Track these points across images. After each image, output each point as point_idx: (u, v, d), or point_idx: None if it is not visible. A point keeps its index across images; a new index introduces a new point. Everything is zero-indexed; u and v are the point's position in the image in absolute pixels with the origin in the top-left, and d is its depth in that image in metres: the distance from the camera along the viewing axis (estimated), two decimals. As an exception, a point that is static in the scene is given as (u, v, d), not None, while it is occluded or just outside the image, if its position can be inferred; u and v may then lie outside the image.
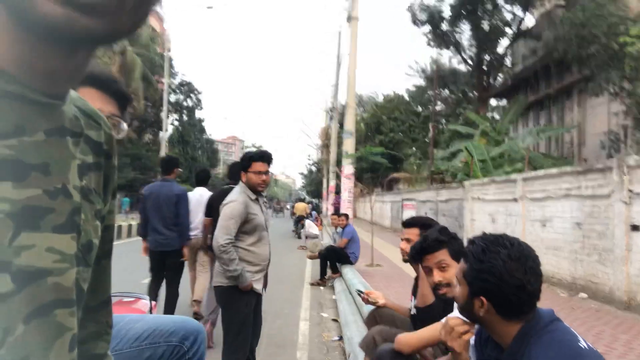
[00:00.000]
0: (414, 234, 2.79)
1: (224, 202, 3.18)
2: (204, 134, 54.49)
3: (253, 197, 3.20)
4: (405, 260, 2.77)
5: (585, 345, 1.25)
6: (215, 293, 3.19)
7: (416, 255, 2.18)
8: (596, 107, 14.44)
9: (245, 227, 3.12)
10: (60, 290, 0.56)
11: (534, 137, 15.75)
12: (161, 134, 31.23)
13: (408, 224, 2.87)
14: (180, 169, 5.68)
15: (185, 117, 49.56)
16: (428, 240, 2.13)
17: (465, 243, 2.23)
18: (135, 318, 1.66)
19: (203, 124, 53.38)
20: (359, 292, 3.17)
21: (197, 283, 5.35)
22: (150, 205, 4.83)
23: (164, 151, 28.26)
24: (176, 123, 48.99)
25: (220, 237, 3.03)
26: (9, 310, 0.50)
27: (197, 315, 4.95)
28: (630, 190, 6.15)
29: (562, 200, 7.88)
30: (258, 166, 3.20)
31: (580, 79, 14.38)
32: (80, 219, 0.60)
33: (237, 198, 3.13)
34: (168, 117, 35.07)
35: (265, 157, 3.25)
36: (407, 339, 2.04)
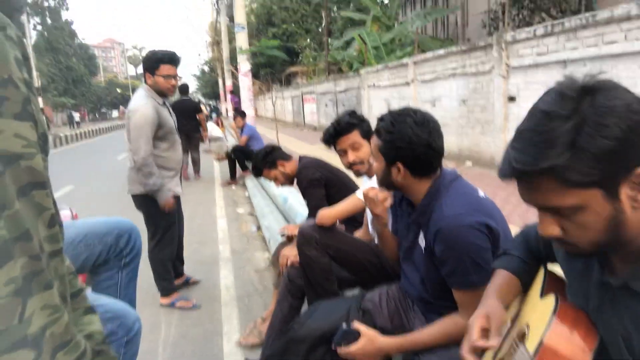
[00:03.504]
0: (267, 175, 3.15)
1: (130, 108, 2.96)
2: (76, 39, 48.60)
3: (160, 101, 3.07)
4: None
5: (483, 195, 1.52)
6: (135, 202, 3.14)
7: (330, 139, 2.33)
8: (477, -13, 14.99)
9: (159, 133, 3.00)
10: (33, 173, 0.60)
11: (422, 20, 16.14)
12: (24, 41, 27.37)
13: (257, 174, 3.22)
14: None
15: (49, 20, 43.44)
16: (341, 123, 2.28)
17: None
18: (66, 224, 1.65)
19: (72, 26, 47.32)
20: (282, 235, 3.29)
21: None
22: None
23: (31, 61, 25.01)
24: (39, 28, 42.91)
25: (143, 148, 2.90)
26: (4, 188, 0.54)
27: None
28: (507, 65, 6.75)
29: (449, 80, 8.45)
30: (167, 69, 3.03)
31: (462, -42, 14.68)
32: (32, 109, 0.62)
33: (145, 103, 2.94)
34: (29, 20, 30.53)
35: (174, 59, 3.06)
36: (327, 212, 2.23)
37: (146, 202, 3.08)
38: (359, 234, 2.54)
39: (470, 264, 1.38)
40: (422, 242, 1.56)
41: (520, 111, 6.59)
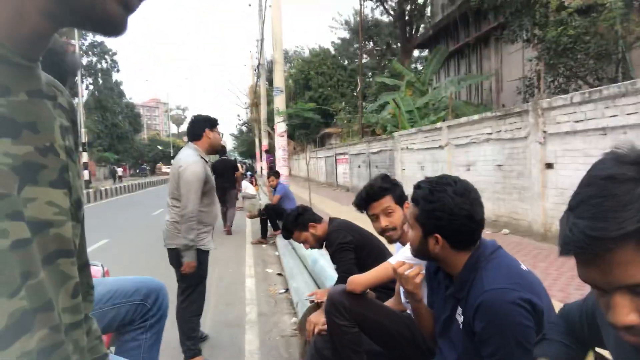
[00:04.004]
0: (298, 237, 3.14)
1: (182, 165, 3.10)
2: (124, 98, 51.47)
3: (207, 159, 3.28)
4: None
5: (525, 268, 1.44)
6: (170, 256, 3.19)
7: (362, 204, 2.28)
8: (512, 54, 15.21)
9: (204, 188, 3.12)
10: (61, 240, 0.59)
11: (456, 86, 16.41)
12: (76, 99, 29.07)
13: (287, 235, 3.21)
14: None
15: (100, 81, 46.39)
16: (374, 188, 2.23)
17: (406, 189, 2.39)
18: (95, 282, 1.65)
19: (121, 87, 50.30)
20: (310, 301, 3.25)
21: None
22: None
23: (80, 118, 26.49)
24: (91, 88, 45.79)
25: (192, 202, 3.03)
26: (30, 256, 0.53)
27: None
28: (544, 131, 6.67)
29: (484, 145, 8.39)
30: (218, 129, 3.39)
31: (496, 26, 15.01)
32: (69, 176, 0.63)
33: (196, 160, 3.12)
34: (82, 81, 32.72)
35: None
36: (358, 278, 2.16)
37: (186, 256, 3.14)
38: (390, 303, 2.44)
39: (513, 345, 1.28)
40: (460, 317, 1.47)
41: (558, 178, 6.42)
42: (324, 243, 3.07)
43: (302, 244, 3.18)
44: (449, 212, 1.42)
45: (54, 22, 0.55)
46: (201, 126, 3.28)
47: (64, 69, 1.37)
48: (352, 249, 2.81)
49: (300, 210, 3.17)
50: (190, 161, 3.09)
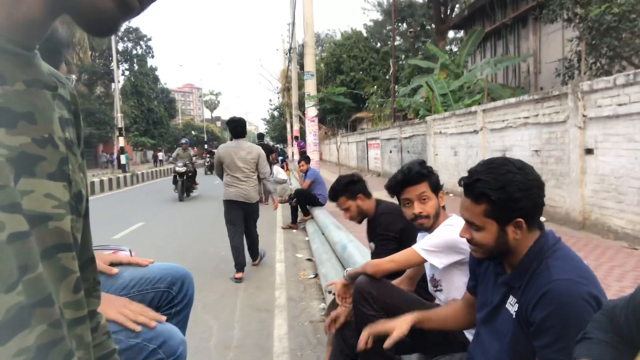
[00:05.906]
0: (343, 203, 3.05)
1: (254, 146, 5.31)
2: (158, 84, 52.30)
3: None
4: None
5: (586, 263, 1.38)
6: (256, 206, 5.33)
7: (397, 187, 2.19)
8: (551, 35, 14.61)
9: None
10: (60, 234, 0.57)
11: (492, 68, 15.91)
12: (113, 85, 29.74)
13: (333, 197, 3.11)
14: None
15: (136, 67, 47.22)
16: (411, 172, 2.14)
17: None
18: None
19: (156, 72, 51.05)
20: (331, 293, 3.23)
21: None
22: None
23: (117, 104, 27.14)
24: (127, 73, 46.69)
25: (268, 167, 5.55)
26: (28, 250, 0.51)
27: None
28: (584, 115, 6.40)
29: (520, 129, 8.13)
30: None
31: (534, 5, 14.41)
32: (69, 169, 0.61)
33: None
34: (118, 67, 33.44)
35: None
36: (378, 263, 2.12)
37: (257, 204, 5.36)
38: (396, 282, 2.38)
39: (572, 340, 1.19)
40: (512, 307, 1.41)
41: (598, 164, 6.16)
42: (367, 221, 3.00)
43: (343, 212, 3.08)
44: (524, 188, 1.33)
45: (48, 8, 0.54)
46: (245, 126, 5.30)
47: (58, 42, 1.36)
48: (397, 239, 2.74)
49: (355, 177, 3.07)
50: (257, 146, 5.37)
